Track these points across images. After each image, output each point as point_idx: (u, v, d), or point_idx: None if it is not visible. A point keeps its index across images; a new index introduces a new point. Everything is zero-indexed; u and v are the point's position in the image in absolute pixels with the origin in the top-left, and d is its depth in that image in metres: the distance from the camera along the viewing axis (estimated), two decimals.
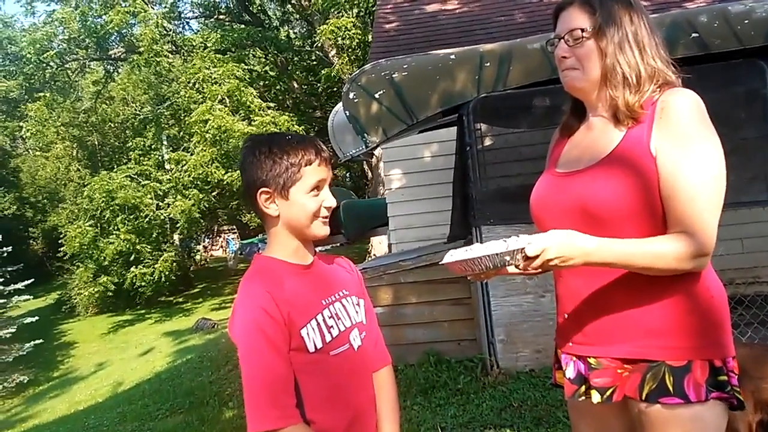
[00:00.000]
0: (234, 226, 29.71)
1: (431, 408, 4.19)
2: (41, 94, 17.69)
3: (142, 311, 18.13)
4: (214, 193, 17.24)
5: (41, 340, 14.30)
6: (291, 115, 16.03)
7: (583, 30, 1.43)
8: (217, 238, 31.28)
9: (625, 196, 1.37)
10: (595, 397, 1.46)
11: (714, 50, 4.11)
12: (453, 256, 1.36)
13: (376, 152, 9.86)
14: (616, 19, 1.42)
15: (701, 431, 1.39)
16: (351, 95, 4.77)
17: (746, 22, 4.09)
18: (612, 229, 1.37)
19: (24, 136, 20.99)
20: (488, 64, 4.54)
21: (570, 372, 1.52)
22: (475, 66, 4.58)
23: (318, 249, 1.68)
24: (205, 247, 28.15)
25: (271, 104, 16.14)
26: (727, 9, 4.24)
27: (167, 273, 16.80)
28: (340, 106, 5.85)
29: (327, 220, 1.49)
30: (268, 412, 1.34)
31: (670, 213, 1.36)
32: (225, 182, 15.52)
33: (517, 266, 1.34)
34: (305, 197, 1.43)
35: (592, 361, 1.47)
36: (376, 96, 4.66)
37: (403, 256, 5.66)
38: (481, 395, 4.23)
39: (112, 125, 21.97)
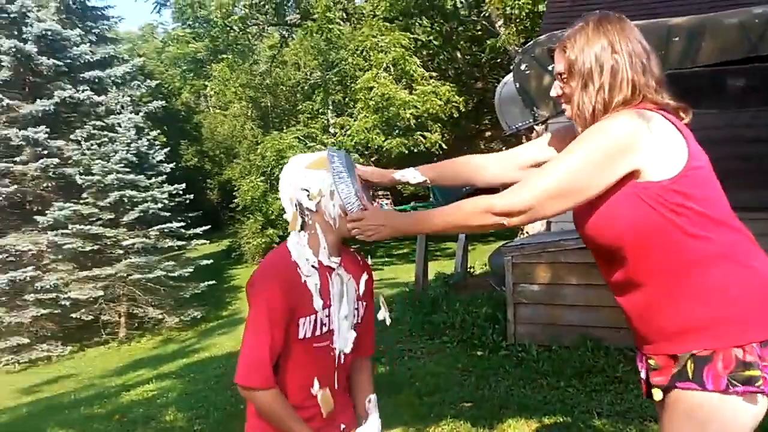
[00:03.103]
0: (388, 192, 30.42)
1: (586, 392, 4.12)
2: (224, 56, 18.99)
3: None
4: (372, 159, 17.76)
5: (214, 282, 15.69)
6: (452, 85, 15.96)
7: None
8: (371, 202, 32.20)
9: None
10: (657, 395, 1.54)
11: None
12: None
13: (537, 128, 9.55)
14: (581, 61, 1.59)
15: (711, 421, 1.40)
16: (522, 66, 4.65)
17: None
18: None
19: (207, 95, 22.78)
20: (677, 38, 4.23)
21: (642, 373, 1.63)
22: (662, 40, 4.28)
23: None
24: None
25: (434, 74, 16.16)
26: None
27: None
28: (508, 77, 5.74)
29: None
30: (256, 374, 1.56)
31: None
32: (384, 148, 15.90)
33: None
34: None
35: (651, 362, 1.56)
36: (549, 68, 4.53)
37: (564, 235, 5.53)
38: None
39: (284, 88, 23.17)
